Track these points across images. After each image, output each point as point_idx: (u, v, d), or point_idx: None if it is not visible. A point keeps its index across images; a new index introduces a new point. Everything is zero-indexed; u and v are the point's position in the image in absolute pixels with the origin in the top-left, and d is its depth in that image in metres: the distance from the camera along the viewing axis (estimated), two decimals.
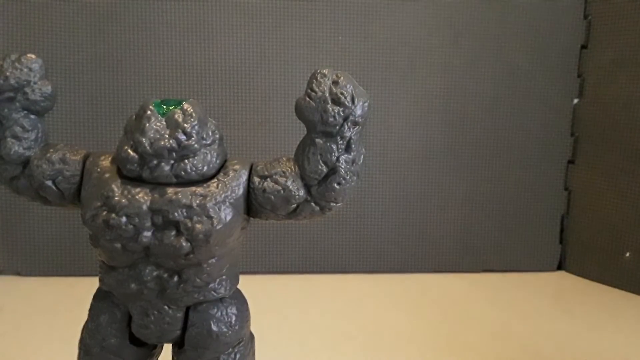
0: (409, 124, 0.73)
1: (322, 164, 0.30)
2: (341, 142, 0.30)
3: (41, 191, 0.31)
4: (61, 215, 0.68)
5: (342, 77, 0.30)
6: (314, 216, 0.32)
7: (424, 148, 0.74)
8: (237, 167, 0.31)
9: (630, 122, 0.70)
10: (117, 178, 0.30)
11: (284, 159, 0.32)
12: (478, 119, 0.74)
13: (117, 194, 0.29)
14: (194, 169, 0.29)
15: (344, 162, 0.30)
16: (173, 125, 0.29)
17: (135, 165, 0.29)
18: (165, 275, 0.30)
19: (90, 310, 0.34)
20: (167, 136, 0.29)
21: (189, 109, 0.30)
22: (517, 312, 0.63)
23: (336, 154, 0.30)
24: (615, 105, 0.71)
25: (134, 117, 0.30)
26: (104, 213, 0.28)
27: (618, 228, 0.72)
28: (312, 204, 0.31)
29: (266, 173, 0.31)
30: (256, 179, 0.31)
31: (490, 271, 0.76)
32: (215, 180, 0.30)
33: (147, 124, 0.29)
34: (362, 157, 0.31)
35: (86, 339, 0.33)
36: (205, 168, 0.30)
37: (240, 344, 0.34)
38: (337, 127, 0.30)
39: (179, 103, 0.30)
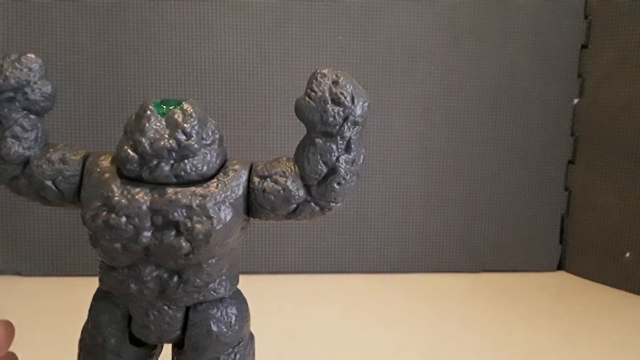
0: (408, 124, 0.73)
1: (322, 164, 0.30)
2: (341, 142, 0.30)
3: (41, 191, 0.31)
4: (61, 215, 0.68)
5: (342, 77, 0.30)
6: (314, 216, 0.32)
7: (424, 148, 0.74)
8: (237, 167, 0.31)
9: (630, 122, 0.70)
10: (117, 178, 0.30)
11: (284, 159, 0.32)
12: (478, 119, 0.74)
13: (116, 194, 0.29)
14: (193, 169, 0.29)
15: (343, 162, 0.30)
16: (173, 125, 0.29)
17: (135, 165, 0.29)
18: (165, 275, 0.30)
19: (90, 310, 0.34)
20: (166, 136, 0.29)
21: (188, 109, 0.30)
22: (517, 312, 0.63)
23: (336, 154, 0.30)
24: (615, 105, 0.71)
25: (133, 117, 0.30)
26: (104, 213, 0.28)
27: (618, 228, 0.72)
28: (312, 204, 0.31)
29: (266, 173, 0.31)
30: (256, 179, 0.31)
31: (490, 271, 0.76)
32: (215, 180, 0.30)
33: (147, 124, 0.29)
34: (362, 157, 0.31)
35: (86, 339, 0.33)
36: (205, 168, 0.30)
37: (240, 344, 0.34)
38: (337, 127, 0.30)
39: (179, 103, 0.30)
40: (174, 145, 0.29)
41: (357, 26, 0.70)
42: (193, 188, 0.29)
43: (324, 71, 0.30)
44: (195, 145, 0.29)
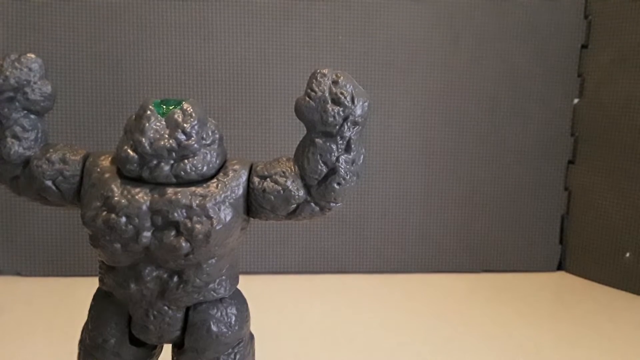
0: (409, 124, 0.73)
1: (322, 164, 0.30)
2: (341, 142, 0.30)
3: (41, 191, 0.31)
4: (61, 215, 0.68)
5: (341, 77, 0.30)
6: (313, 216, 0.32)
7: (424, 148, 0.74)
8: (236, 167, 0.31)
9: (630, 122, 0.70)
10: (117, 178, 0.30)
11: (284, 159, 0.32)
12: (478, 119, 0.74)
13: (116, 194, 0.29)
14: (193, 169, 0.29)
15: (343, 162, 0.30)
16: (173, 125, 0.29)
17: (135, 165, 0.29)
18: (165, 275, 0.30)
19: (90, 310, 0.34)
20: (166, 136, 0.29)
21: (188, 109, 0.30)
22: (517, 312, 0.63)
23: (336, 154, 0.30)
24: (615, 105, 0.71)
25: (133, 117, 0.30)
26: (104, 213, 0.29)
27: (618, 228, 0.72)
28: (312, 204, 0.31)
29: (266, 173, 0.31)
30: (256, 179, 0.31)
31: (490, 271, 0.76)
32: (215, 180, 0.30)
33: (147, 124, 0.29)
34: (362, 157, 0.31)
35: (86, 339, 0.33)
36: (205, 168, 0.30)
37: (240, 345, 0.34)
38: (337, 127, 0.30)
39: (178, 103, 0.30)
40: (174, 145, 0.29)
41: (357, 26, 0.70)
42: (193, 188, 0.29)
43: (324, 71, 0.30)
44: (195, 145, 0.29)
